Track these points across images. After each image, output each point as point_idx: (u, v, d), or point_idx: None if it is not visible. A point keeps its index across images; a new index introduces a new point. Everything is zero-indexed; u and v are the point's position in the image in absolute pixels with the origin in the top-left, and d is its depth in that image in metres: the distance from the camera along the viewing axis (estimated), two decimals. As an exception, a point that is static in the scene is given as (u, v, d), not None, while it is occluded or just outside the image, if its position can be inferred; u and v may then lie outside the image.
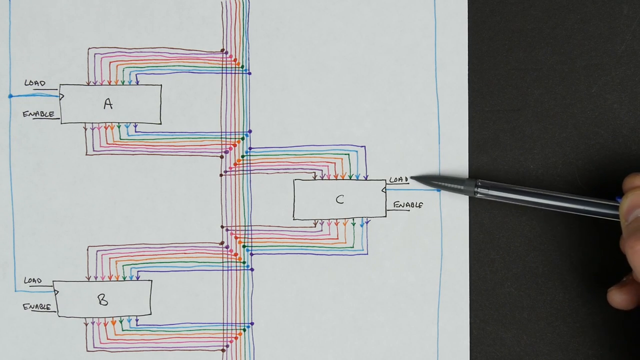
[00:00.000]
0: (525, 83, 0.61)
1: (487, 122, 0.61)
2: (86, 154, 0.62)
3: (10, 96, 0.61)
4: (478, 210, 0.61)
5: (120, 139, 0.62)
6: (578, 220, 0.61)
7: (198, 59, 0.61)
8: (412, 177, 0.61)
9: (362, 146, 0.61)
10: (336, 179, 0.61)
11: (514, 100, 0.61)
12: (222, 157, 0.62)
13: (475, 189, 0.59)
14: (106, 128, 0.62)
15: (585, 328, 0.61)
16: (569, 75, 0.61)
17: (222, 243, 0.62)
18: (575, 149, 0.61)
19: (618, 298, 0.56)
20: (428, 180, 0.60)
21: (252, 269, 0.62)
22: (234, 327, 0.62)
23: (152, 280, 0.62)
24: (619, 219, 0.55)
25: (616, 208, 0.56)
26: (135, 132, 0.61)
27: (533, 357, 0.61)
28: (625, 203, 0.54)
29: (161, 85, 0.61)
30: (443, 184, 0.60)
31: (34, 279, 0.62)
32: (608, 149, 0.61)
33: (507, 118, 0.61)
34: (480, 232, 0.61)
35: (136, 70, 0.61)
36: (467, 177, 0.61)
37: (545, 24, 0.61)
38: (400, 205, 0.61)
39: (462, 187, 0.59)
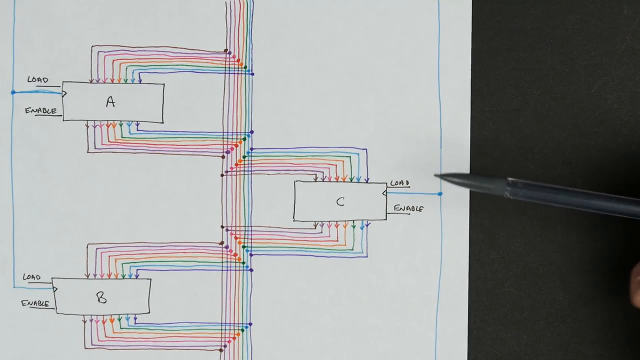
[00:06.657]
0: (525, 83, 0.61)
1: (487, 122, 0.61)
2: (88, 152, 0.62)
3: (13, 92, 0.62)
4: (478, 211, 0.61)
5: (122, 137, 0.62)
6: (578, 220, 0.61)
7: (201, 58, 0.62)
8: (436, 175, 0.59)
9: (363, 149, 0.61)
10: (337, 181, 0.61)
11: (514, 100, 0.61)
12: (223, 157, 0.62)
13: (506, 189, 0.55)
14: (108, 126, 0.62)
15: (585, 328, 0.61)
16: (569, 75, 0.61)
17: (221, 243, 0.62)
18: (575, 149, 0.61)
19: None
20: (454, 178, 0.56)
21: (251, 270, 0.61)
22: (232, 327, 0.61)
23: (151, 279, 0.62)
24: None
25: None
26: (137, 130, 0.62)
27: (533, 357, 0.61)
28: None
29: (164, 84, 0.62)
30: (469, 182, 0.56)
31: (32, 275, 0.62)
32: (608, 149, 0.61)
33: (507, 118, 0.61)
34: (480, 232, 0.61)
35: (139, 69, 0.62)
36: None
37: (545, 24, 0.61)
38: (401, 208, 0.61)
39: (491, 186, 0.55)
